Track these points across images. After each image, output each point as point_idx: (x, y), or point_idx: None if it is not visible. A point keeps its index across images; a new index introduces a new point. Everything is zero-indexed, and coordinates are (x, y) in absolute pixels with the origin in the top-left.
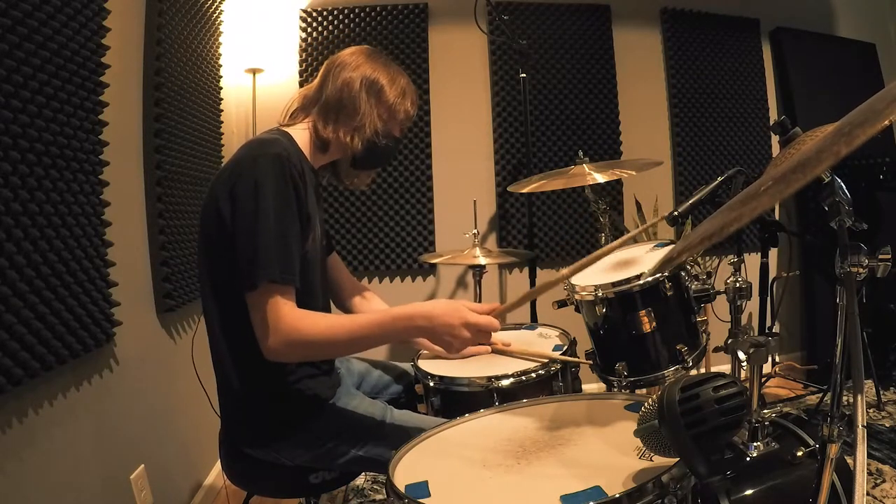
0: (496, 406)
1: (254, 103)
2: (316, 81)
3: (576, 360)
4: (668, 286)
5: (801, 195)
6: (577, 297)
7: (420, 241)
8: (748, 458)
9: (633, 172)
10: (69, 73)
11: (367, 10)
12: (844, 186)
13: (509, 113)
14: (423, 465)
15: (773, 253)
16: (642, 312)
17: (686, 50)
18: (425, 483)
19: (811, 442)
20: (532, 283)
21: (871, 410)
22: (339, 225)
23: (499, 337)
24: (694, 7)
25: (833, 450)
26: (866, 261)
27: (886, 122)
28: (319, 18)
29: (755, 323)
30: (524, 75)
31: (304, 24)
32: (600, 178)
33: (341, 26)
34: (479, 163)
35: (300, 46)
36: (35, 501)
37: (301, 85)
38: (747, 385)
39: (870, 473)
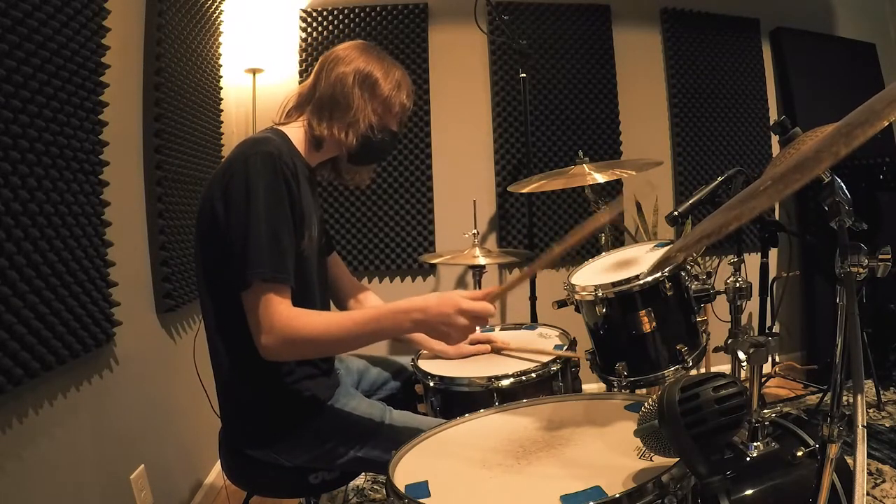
0: (496, 406)
1: (254, 103)
2: (310, 78)
3: (572, 354)
4: (668, 286)
5: (802, 195)
6: (577, 297)
7: (420, 241)
8: (748, 458)
9: (633, 172)
10: (69, 73)
11: (367, 9)
12: (844, 186)
13: (509, 113)
14: (423, 465)
15: (773, 253)
16: (642, 312)
17: (686, 50)
18: (425, 483)
19: (811, 442)
20: (532, 283)
21: (871, 410)
22: (338, 225)
23: (499, 337)
24: (694, 7)
25: (833, 450)
26: (866, 261)
27: (885, 123)
28: (319, 18)
29: (755, 323)
30: (524, 75)
31: (304, 24)
32: (600, 178)
33: (341, 26)
34: (479, 163)
35: (300, 46)
36: (35, 501)
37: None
38: (747, 385)
39: (870, 473)
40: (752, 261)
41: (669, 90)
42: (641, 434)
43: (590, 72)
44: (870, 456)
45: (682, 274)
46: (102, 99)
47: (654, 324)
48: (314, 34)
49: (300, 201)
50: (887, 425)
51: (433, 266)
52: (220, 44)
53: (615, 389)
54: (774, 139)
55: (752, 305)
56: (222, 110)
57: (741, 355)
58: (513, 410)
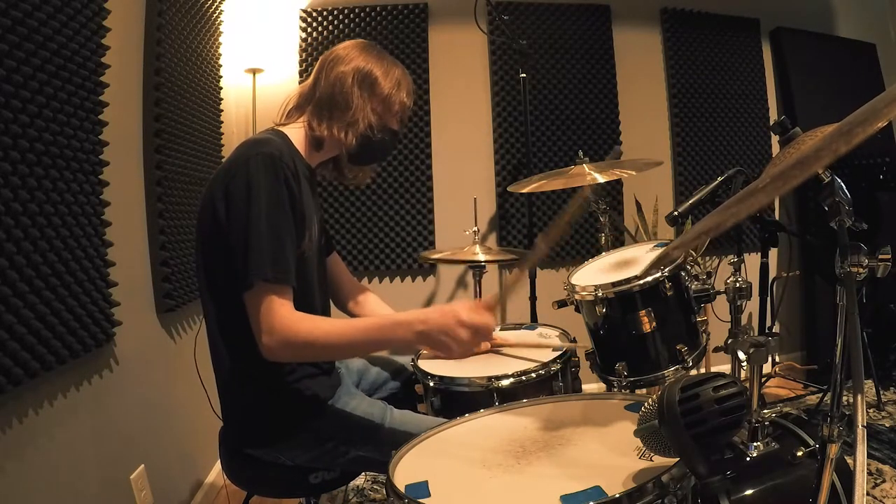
0: (496, 406)
1: (254, 103)
2: (310, 78)
3: (573, 345)
4: (668, 286)
5: (802, 195)
6: (577, 297)
7: (420, 242)
8: (748, 458)
9: (633, 172)
10: (69, 73)
11: (367, 9)
12: (844, 186)
13: (509, 113)
14: (423, 465)
15: (773, 253)
16: (642, 312)
17: (686, 50)
18: (425, 483)
19: (811, 442)
20: (532, 283)
21: (871, 410)
22: (338, 225)
23: (499, 336)
24: (694, 7)
25: (833, 450)
26: (866, 261)
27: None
28: (319, 18)
29: (755, 323)
30: (524, 75)
31: (304, 24)
32: (600, 178)
33: (341, 26)
34: (479, 163)
35: (300, 46)
36: (35, 501)
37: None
38: (747, 385)
39: (870, 473)
40: (752, 261)
41: (669, 90)
42: (641, 434)
43: (590, 72)
44: (870, 456)
45: (682, 274)
46: (102, 99)
47: (654, 324)
48: (314, 34)
49: (301, 202)
50: (887, 425)
51: (433, 266)
52: (220, 44)
53: (615, 389)
54: (774, 139)
55: (752, 305)
56: (222, 110)
57: (741, 355)
58: (513, 410)
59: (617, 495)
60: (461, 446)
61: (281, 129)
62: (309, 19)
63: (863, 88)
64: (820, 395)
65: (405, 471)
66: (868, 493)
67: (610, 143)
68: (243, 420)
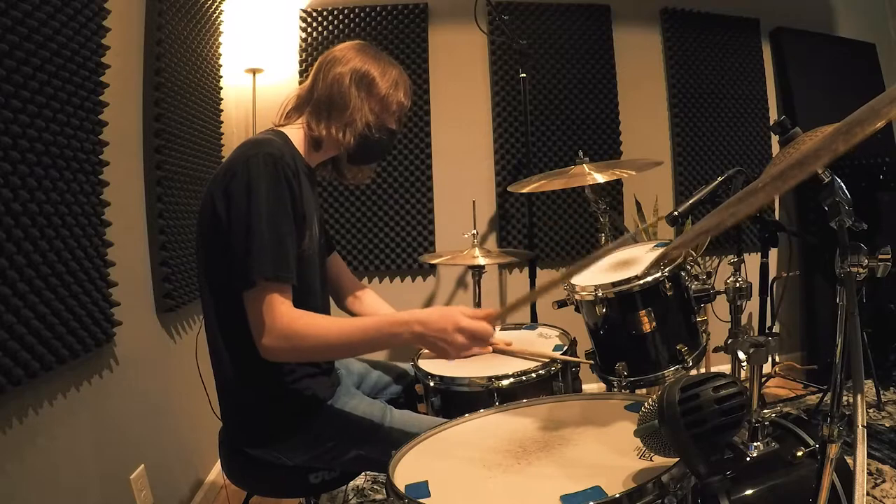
0: (496, 406)
1: (254, 103)
2: (309, 80)
3: (576, 359)
4: (668, 286)
5: (802, 195)
6: (577, 297)
7: (420, 241)
8: (748, 458)
9: (633, 172)
10: (69, 73)
11: (367, 9)
12: (844, 186)
13: (509, 113)
14: (423, 465)
15: (773, 253)
16: (642, 312)
17: (686, 50)
18: (425, 483)
19: (811, 442)
20: (532, 284)
21: (871, 410)
22: (339, 225)
23: (499, 337)
24: (694, 7)
25: (833, 450)
26: (866, 261)
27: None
28: (319, 18)
29: (755, 323)
30: (524, 75)
31: (304, 24)
32: (600, 178)
33: (341, 26)
34: (479, 163)
35: (300, 46)
36: (35, 501)
37: (301, 85)
38: (747, 385)
39: (870, 473)
40: (752, 261)
41: (669, 90)
42: (641, 434)
43: (590, 72)
44: (870, 456)
45: (682, 274)
46: (102, 99)
47: (654, 324)
48: (314, 34)
49: (301, 202)
50: (887, 425)
51: (433, 266)
52: (220, 44)
53: (615, 389)
54: (774, 139)
55: (752, 305)
56: (222, 110)
57: (741, 355)
58: (513, 410)
59: (617, 495)
60: (461, 446)
61: (280, 129)
62: (309, 19)
63: (863, 88)
64: (820, 395)
65: (405, 471)
66: (868, 493)
67: (610, 143)
68: (243, 420)
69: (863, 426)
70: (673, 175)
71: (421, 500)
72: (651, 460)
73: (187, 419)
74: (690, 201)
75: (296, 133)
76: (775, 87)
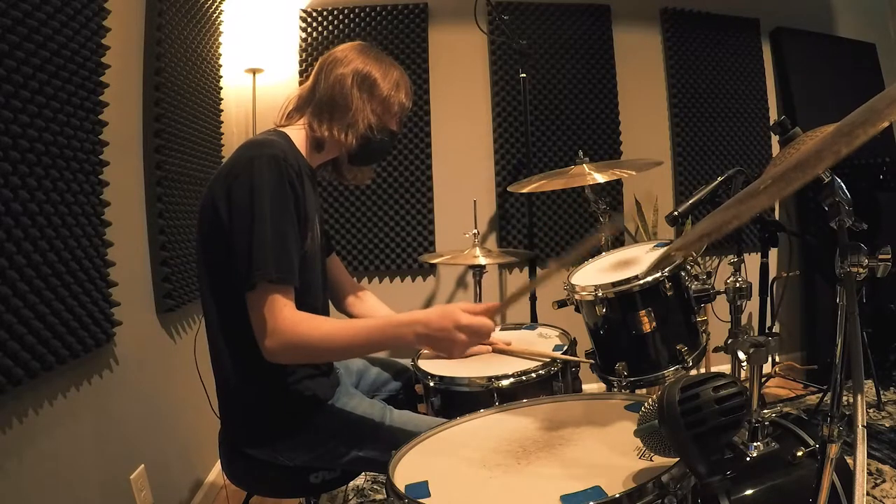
0: (496, 406)
1: (254, 103)
2: (310, 80)
3: (576, 359)
4: (668, 286)
5: (802, 195)
6: (577, 297)
7: (420, 241)
8: (748, 458)
9: (633, 172)
10: (69, 73)
11: (367, 9)
12: (844, 186)
13: (509, 113)
14: (423, 465)
15: (773, 253)
16: (642, 312)
17: (686, 50)
18: (425, 483)
19: (811, 442)
20: None
21: (871, 410)
22: (338, 225)
23: (499, 337)
24: (694, 7)
25: (833, 450)
26: (866, 261)
27: (886, 123)
28: (319, 18)
29: (755, 323)
30: (524, 75)
31: (304, 24)
32: (600, 178)
33: (341, 26)
34: (479, 163)
35: (300, 46)
36: (35, 501)
37: (301, 85)
38: (747, 385)
39: (870, 473)
40: (752, 261)
41: (669, 90)
42: (641, 434)
43: (590, 72)
44: (870, 456)
45: (682, 274)
46: (102, 99)
47: (654, 324)
48: (314, 34)
49: (304, 203)
50: (887, 425)
51: (433, 266)
52: (220, 44)
53: (615, 389)
54: (774, 139)
55: (752, 305)
56: (222, 110)
57: (741, 355)
58: (513, 410)
59: (617, 495)
60: (461, 446)
61: (282, 129)
62: (309, 19)
63: (863, 88)
64: (820, 395)
65: (405, 471)
66: (868, 493)
67: (610, 143)
68: (243, 420)
69: (863, 426)
70: (673, 175)
71: (421, 501)
72: (651, 460)
73: (187, 419)
74: (690, 201)
75: (297, 134)
76: (775, 87)
